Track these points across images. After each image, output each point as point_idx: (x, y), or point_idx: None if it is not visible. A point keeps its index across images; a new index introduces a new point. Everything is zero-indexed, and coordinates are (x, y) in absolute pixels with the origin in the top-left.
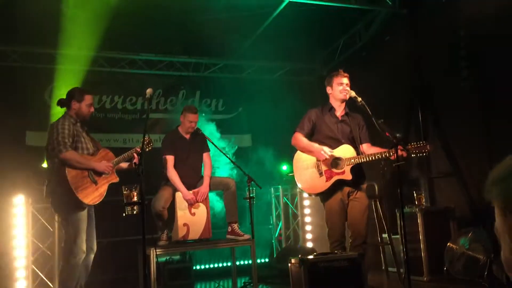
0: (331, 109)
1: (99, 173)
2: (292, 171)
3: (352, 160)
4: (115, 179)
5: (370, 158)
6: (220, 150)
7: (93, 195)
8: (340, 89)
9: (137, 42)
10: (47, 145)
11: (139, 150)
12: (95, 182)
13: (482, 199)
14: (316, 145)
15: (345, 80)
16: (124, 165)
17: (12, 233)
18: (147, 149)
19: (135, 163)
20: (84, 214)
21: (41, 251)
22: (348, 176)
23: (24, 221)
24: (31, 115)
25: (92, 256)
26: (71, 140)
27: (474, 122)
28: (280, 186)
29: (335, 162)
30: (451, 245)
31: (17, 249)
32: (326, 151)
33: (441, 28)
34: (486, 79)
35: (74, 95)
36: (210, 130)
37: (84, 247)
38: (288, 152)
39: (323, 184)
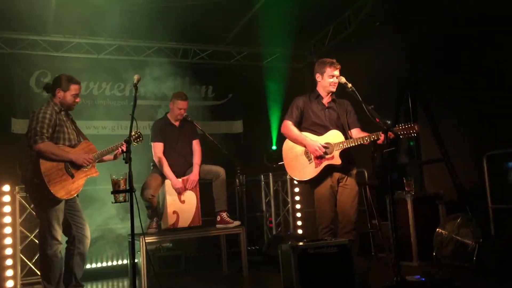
0: (318, 96)
1: (77, 166)
2: (281, 160)
3: (341, 145)
4: (95, 173)
5: (358, 142)
6: (208, 137)
7: (67, 188)
8: (330, 81)
9: (124, 28)
10: (27, 132)
11: (123, 147)
12: (72, 175)
13: (471, 185)
14: (309, 139)
15: (337, 73)
16: (107, 158)
17: None
18: (136, 143)
19: (122, 150)
20: (58, 207)
21: (29, 240)
22: (337, 161)
23: (11, 210)
24: (17, 102)
25: (87, 244)
26: (51, 131)
27: (463, 108)
28: (270, 173)
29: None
30: (440, 230)
31: (5, 238)
32: (321, 147)
33: (432, 14)
34: (475, 67)
35: (60, 83)
36: None
37: (59, 237)
38: (278, 139)
39: (313, 170)
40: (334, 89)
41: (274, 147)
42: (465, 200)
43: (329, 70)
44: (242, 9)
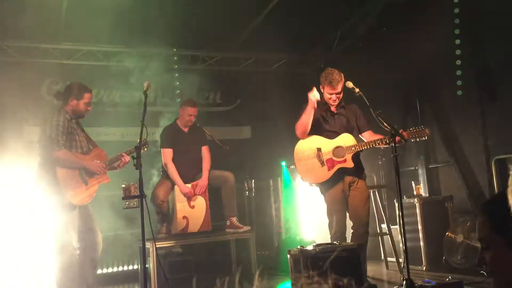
0: (326, 103)
1: (91, 173)
2: (292, 163)
3: (353, 148)
4: (107, 180)
5: (370, 145)
6: (217, 143)
7: (82, 195)
8: (328, 98)
9: (133, 35)
10: (39, 140)
11: (125, 155)
12: (85, 182)
13: (480, 189)
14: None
15: (334, 92)
16: (116, 164)
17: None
18: (143, 150)
19: (132, 156)
20: (74, 212)
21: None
22: (350, 164)
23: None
24: (29, 110)
25: (99, 251)
26: (65, 138)
27: (471, 112)
28: (279, 178)
29: (336, 151)
30: (450, 234)
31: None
32: (314, 93)
33: (438, 17)
34: (483, 70)
35: (72, 91)
36: None
37: (75, 244)
38: (287, 144)
39: (325, 174)
40: (333, 105)
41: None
42: (475, 203)
43: (327, 89)
44: (250, 15)
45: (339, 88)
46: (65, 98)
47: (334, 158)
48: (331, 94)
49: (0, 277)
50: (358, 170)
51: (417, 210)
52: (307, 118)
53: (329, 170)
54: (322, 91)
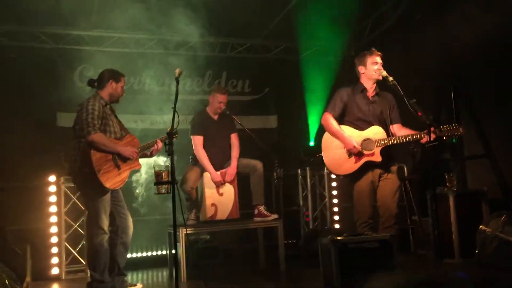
0: (364, 89)
1: (124, 158)
2: (320, 151)
3: (382, 142)
4: (138, 166)
5: (401, 140)
6: (247, 131)
7: (114, 179)
8: (375, 68)
9: (163, 23)
10: (75, 124)
11: (159, 142)
12: (118, 167)
13: None
14: (347, 135)
15: (379, 59)
16: (149, 152)
17: (46, 211)
18: (174, 138)
19: (165, 143)
20: (106, 197)
21: (73, 229)
22: (377, 158)
23: (57, 200)
24: (62, 96)
25: (130, 234)
26: (100, 122)
27: (507, 103)
28: (307, 167)
29: (365, 143)
30: (483, 227)
31: (50, 227)
32: (357, 146)
33: (475, 4)
34: None
35: (112, 75)
36: None
37: (105, 228)
38: (314, 134)
39: (351, 166)
40: (379, 76)
41: (311, 144)
42: (510, 197)
43: (371, 58)
44: (281, 3)
45: (380, 56)
46: (104, 82)
47: (362, 151)
48: (376, 63)
49: None
50: (388, 163)
51: (450, 202)
52: (334, 136)
53: (356, 162)
54: (364, 70)
